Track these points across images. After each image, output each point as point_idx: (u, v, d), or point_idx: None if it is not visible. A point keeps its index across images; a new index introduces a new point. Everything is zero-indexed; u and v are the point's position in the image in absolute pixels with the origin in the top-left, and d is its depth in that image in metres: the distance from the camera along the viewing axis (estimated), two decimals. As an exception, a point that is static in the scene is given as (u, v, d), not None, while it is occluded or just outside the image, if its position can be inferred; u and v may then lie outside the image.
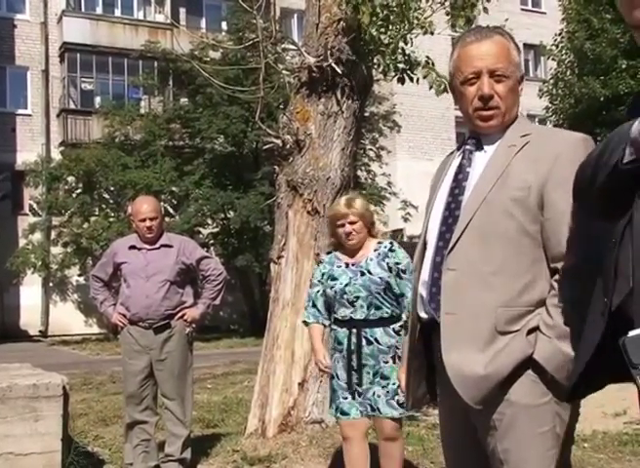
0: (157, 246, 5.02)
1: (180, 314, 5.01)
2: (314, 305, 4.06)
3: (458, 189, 2.16)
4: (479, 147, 2.19)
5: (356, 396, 3.92)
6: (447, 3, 6.20)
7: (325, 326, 4.09)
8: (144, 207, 4.99)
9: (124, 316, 4.99)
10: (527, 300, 2.02)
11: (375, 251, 3.95)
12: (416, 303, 2.22)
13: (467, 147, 2.21)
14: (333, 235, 4.09)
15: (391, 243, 4.01)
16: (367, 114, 18.98)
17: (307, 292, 4.14)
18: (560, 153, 2.03)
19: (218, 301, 5.21)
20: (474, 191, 2.10)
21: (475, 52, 2.13)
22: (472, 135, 2.23)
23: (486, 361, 1.99)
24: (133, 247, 5.04)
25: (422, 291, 2.17)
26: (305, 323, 4.14)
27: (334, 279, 3.96)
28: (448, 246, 2.09)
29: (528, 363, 1.98)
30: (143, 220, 4.93)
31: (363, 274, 3.90)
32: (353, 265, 3.95)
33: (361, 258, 3.95)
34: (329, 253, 4.14)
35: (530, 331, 2.00)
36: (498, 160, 2.11)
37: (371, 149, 22.47)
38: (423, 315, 2.18)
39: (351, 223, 3.92)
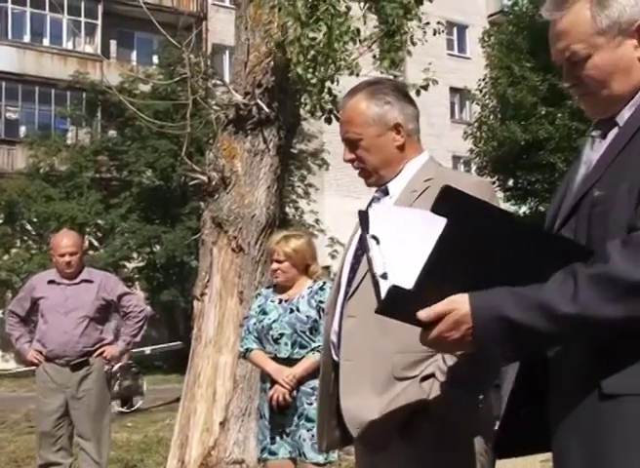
0: (77, 281, 4.92)
1: (99, 351, 4.90)
2: (251, 335, 3.92)
3: None
4: (386, 193, 2.24)
5: (284, 436, 3.82)
6: (374, 46, 6.35)
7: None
8: (64, 241, 4.91)
9: (40, 353, 4.86)
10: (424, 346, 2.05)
11: (308, 288, 3.91)
12: (328, 347, 2.23)
13: (375, 195, 2.27)
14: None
15: (324, 282, 3.95)
16: (296, 151, 19.15)
17: (245, 324, 4.03)
18: None
19: (138, 338, 5.14)
20: None
21: (340, 120, 2.30)
22: None
23: (382, 406, 2.00)
24: (52, 281, 4.94)
25: (333, 336, 2.20)
26: (246, 351, 3.93)
27: (264, 313, 3.90)
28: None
29: (424, 408, 1.99)
30: (63, 255, 4.84)
31: (292, 311, 3.85)
32: (286, 302, 3.90)
33: (294, 296, 3.91)
34: (268, 287, 4.09)
35: (425, 378, 2.02)
36: (400, 205, 2.16)
37: (299, 186, 22.60)
38: (336, 359, 2.19)
39: (278, 262, 3.88)
